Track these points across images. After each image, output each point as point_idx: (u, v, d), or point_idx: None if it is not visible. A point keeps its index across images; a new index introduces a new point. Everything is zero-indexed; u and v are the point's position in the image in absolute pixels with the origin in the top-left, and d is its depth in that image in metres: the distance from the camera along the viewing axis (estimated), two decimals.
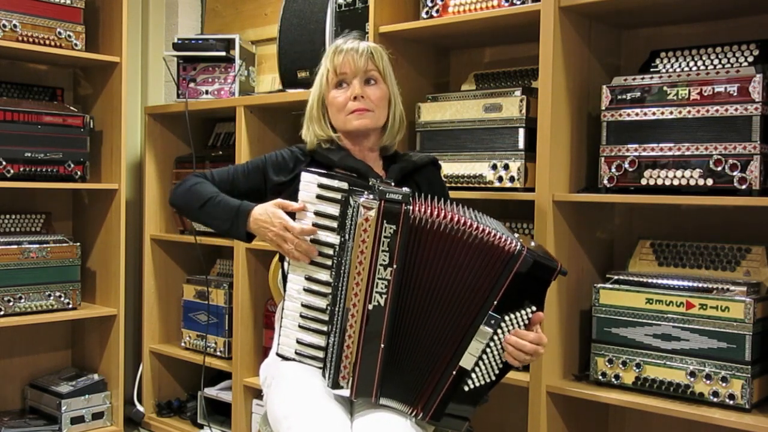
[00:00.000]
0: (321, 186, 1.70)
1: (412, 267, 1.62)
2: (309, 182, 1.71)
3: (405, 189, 1.64)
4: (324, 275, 1.71)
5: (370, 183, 1.71)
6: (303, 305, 1.72)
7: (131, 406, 3.37)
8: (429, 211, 1.62)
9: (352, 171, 1.82)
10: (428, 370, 1.64)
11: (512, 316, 1.59)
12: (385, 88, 1.89)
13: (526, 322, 1.61)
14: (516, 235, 1.65)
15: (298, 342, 1.72)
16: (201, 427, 3.15)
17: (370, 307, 1.61)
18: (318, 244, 1.71)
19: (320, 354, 1.70)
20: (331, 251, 1.69)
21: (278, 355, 1.75)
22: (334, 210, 1.69)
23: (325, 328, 1.69)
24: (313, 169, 1.73)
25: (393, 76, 1.93)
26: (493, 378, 1.64)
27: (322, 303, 1.70)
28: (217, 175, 1.92)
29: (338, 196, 1.69)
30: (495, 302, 1.58)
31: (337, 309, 1.66)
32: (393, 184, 1.76)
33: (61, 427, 2.95)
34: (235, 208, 1.80)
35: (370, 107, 1.86)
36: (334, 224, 1.69)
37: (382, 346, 1.62)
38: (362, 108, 1.85)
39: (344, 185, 1.68)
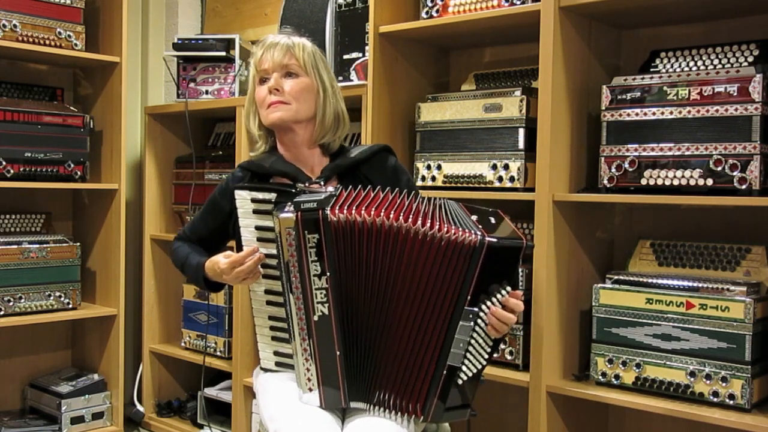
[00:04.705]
0: (254, 201, 1.72)
1: (351, 270, 1.61)
2: (243, 198, 1.73)
3: (327, 190, 1.62)
4: (279, 286, 1.71)
5: (297, 189, 1.70)
6: (270, 318, 1.76)
7: (131, 406, 3.37)
8: (356, 211, 1.59)
9: (283, 175, 1.81)
10: (410, 372, 1.61)
11: (488, 303, 1.57)
12: (308, 81, 1.83)
13: (504, 302, 1.58)
14: (474, 216, 1.61)
15: (275, 354, 1.76)
16: (201, 427, 3.15)
17: (315, 318, 1.60)
18: (267, 257, 1.72)
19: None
20: (276, 262, 1.69)
21: (262, 369, 1.79)
22: (270, 222, 1.67)
23: None
24: (243, 185, 1.75)
25: (325, 70, 1.87)
26: (484, 362, 1.62)
27: (284, 313, 1.71)
28: (189, 231, 2.01)
29: (270, 207, 1.68)
30: (468, 297, 1.56)
31: (289, 324, 1.65)
32: (323, 183, 1.77)
33: (61, 427, 2.95)
34: (194, 269, 1.88)
35: (286, 99, 1.81)
36: (273, 235, 1.67)
37: (338, 353, 1.61)
38: (277, 101, 1.81)
39: (273, 196, 1.69)
